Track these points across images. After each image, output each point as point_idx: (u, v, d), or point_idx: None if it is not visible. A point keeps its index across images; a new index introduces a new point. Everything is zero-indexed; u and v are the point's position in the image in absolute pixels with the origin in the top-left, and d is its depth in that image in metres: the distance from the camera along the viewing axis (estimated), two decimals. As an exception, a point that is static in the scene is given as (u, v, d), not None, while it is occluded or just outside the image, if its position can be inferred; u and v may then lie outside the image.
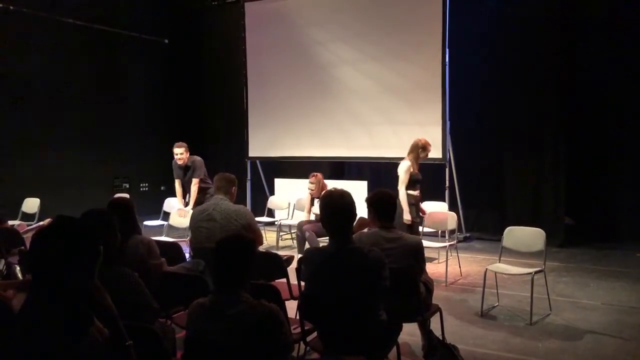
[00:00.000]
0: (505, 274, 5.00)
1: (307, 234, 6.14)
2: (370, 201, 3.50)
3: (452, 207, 7.28)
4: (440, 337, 3.72)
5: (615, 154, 7.41)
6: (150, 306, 2.80)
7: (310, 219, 6.74)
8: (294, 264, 3.63)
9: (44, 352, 1.59)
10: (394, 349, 3.03)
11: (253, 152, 9.51)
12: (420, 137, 5.95)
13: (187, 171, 6.69)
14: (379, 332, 2.80)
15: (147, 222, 7.56)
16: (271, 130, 9.18)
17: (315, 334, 3.02)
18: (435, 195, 7.24)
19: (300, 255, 5.93)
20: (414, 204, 5.67)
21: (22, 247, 4.39)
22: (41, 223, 5.82)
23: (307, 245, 6.14)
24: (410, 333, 3.74)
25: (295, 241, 7.23)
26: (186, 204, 6.69)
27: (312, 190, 6.73)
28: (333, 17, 8.43)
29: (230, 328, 2.20)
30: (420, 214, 5.94)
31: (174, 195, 7.20)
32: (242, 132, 9.54)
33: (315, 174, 6.84)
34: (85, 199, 7.14)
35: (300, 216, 7.74)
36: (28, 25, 8.35)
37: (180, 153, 6.55)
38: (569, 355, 3.84)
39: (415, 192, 5.70)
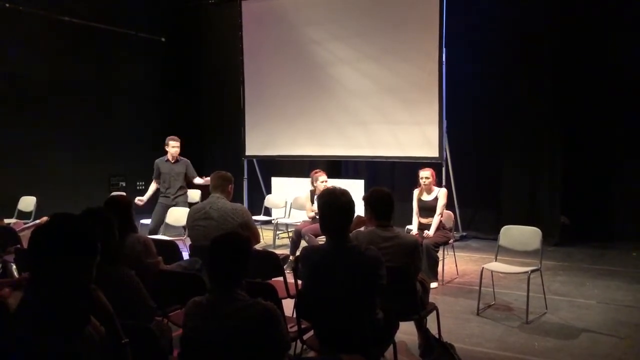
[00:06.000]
0: (501, 272, 5.01)
1: (306, 237, 6.10)
2: (367, 200, 3.50)
3: (449, 206, 7.27)
4: (437, 336, 3.72)
5: (611, 154, 7.42)
6: (147, 305, 2.79)
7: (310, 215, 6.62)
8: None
9: (41, 351, 1.58)
10: (391, 347, 3.04)
11: (250, 150, 9.50)
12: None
13: (176, 167, 6.77)
14: (376, 330, 2.80)
15: (144, 221, 7.53)
16: (268, 128, 9.17)
17: (312, 332, 3.02)
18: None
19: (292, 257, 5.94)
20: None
21: (18, 246, 4.37)
22: (37, 221, 5.80)
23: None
24: (406, 332, 3.75)
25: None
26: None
27: (323, 185, 6.40)
28: (330, 16, 8.42)
29: (227, 326, 2.19)
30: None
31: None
32: (239, 131, 9.53)
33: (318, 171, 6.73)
34: (81, 197, 7.13)
35: (298, 215, 7.73)
36: (23, 23, 8.31)
37: (177, 146, 6.78)
38: (564, 354, 3.86)
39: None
